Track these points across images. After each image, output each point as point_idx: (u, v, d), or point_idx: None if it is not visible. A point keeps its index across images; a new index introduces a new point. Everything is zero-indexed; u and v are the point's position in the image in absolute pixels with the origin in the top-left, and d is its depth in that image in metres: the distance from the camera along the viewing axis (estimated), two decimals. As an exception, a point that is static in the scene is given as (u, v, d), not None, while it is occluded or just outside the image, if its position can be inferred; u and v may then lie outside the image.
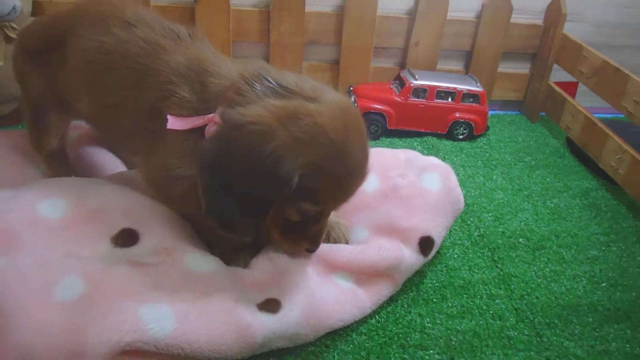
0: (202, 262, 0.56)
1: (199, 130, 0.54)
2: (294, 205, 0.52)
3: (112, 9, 0.63)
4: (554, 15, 1.10)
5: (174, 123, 0.53)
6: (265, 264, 0.60)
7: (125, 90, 0.59)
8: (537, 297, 0.67)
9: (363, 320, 0.61)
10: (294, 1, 1.01)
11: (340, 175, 0.51)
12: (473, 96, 1.04)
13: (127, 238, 0.55)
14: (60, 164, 0.74)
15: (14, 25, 0.86)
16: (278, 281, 0.57)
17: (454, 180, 0.72)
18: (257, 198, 0.49)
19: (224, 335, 0.48)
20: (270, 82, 0.52)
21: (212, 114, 0.53)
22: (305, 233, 0.57)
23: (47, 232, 0.53)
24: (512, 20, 1.10)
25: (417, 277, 0.68)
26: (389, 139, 1.04)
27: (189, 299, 0.50)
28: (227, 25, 1.01)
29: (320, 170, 0.49)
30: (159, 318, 0.46)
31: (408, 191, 0.69)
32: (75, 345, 0.42)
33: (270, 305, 0.53)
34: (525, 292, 0.68)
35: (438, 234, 0.68)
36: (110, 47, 0.60)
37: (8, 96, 0.90)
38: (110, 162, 0.78)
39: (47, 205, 0.55)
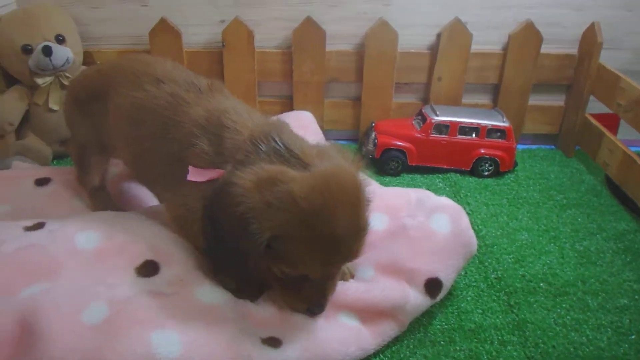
0: (212, 295, 0.65)
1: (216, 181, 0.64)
2: (273, 264, 0.61)
3: (145, 67, 0.77)
4: (589, 45, 1.13)
5: (193, 175, 0.65)
6: (271, 305, 0.68)
7: (153, 140, 0.72)
8: (553, 347, 0.69)
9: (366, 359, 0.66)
10: (315, 42, 1.13)
11: (312, 243, 0.56)
12: (499, 131, 1.09)
13: (149, 269, 0.66)
14: (102, 198, 0.89)
15: (68, 75, 1.08)
16: (281, 322, 0.65)
17: (465, 222, 0.77)
18: (238, 249, 0.59)
19: (227, 363, 0.57)
20: (277, 144, 0.61)
21: (223, 170, 0.63)
22: (301, 293, 0.63)
23: (83, 261, 0.65)
24: (543, 50, 1.15)
25: (425, 318, 0.73)
26: (410, 176, 1.11)
27: (197, 327, 0.59)
28: (253, 66, 1.16)
29: (289, 235, 0.56)
30: (168, 343, 0.56)
31: (416, 232, 0.75)
32: (98, 363, 0.54)
33: (273, 342, 0.62)
34: (540, 340, 0.70)
35: (447, 276, 0.72)
36: (142, 102, 0.74)
37: (62, 138, 1.09)
38: (146, 197, 0.93)
39: (83, 237, 0.68)
